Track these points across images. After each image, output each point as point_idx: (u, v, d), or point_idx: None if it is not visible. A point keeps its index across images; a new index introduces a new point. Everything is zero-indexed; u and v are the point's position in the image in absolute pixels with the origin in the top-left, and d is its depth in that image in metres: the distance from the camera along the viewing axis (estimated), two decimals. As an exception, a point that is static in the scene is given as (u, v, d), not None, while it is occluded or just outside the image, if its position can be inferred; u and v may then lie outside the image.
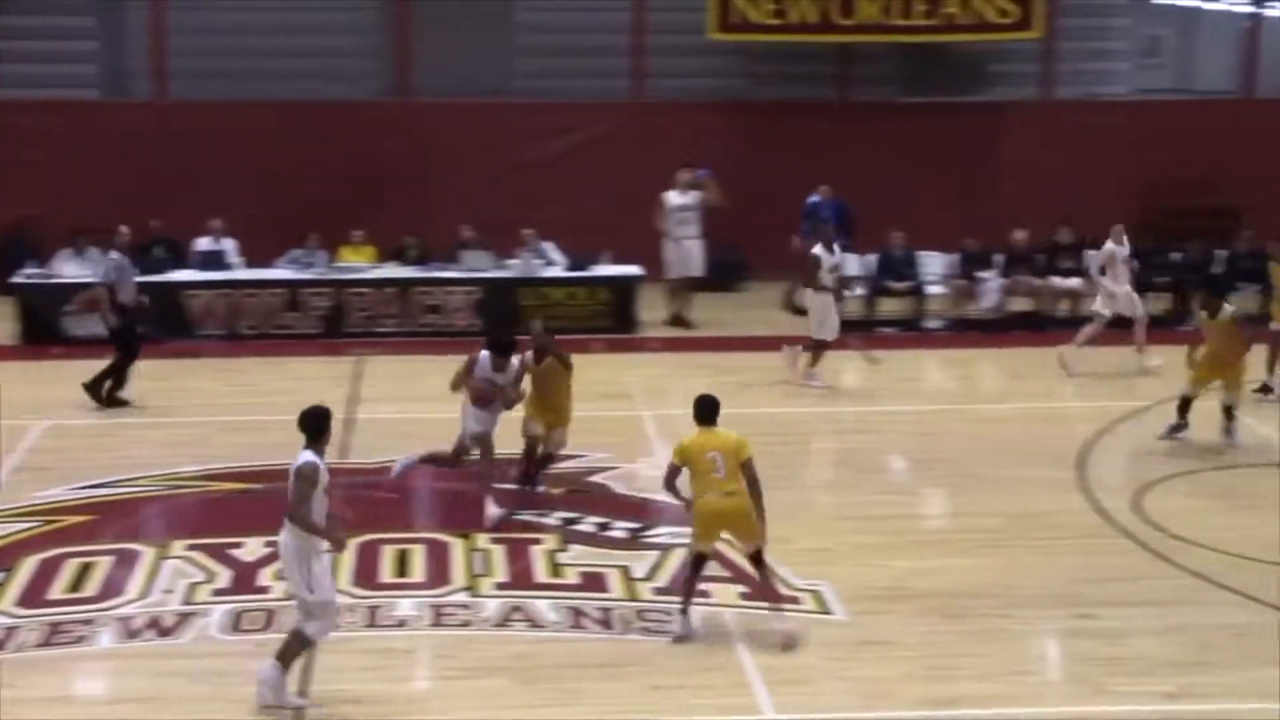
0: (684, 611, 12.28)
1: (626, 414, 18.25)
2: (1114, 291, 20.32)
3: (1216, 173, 24.44)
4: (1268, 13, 28.22)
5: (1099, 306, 20.37)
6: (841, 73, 25.70)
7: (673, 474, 12.37)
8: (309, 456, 10.88)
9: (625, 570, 13.56)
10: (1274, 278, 19.57)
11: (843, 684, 11.58)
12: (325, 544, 11.09)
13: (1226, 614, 12.81)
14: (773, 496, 12.45)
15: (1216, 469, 16.26)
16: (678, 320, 22.56)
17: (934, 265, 23.09)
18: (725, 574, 13.33)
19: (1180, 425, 16.93)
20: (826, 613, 12.78)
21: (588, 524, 14.67)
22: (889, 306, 22.78)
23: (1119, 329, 20.48)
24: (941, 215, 23.43)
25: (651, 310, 22.57)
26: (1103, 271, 20.33)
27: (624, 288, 22.32)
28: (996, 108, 25.82)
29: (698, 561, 12.37)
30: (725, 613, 12.73)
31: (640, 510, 15.05)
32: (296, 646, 11.08)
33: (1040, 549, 14.22)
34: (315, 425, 10.96)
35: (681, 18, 25.28)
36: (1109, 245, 20.58)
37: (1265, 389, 18.73)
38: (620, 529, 14.55)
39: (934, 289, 22.84)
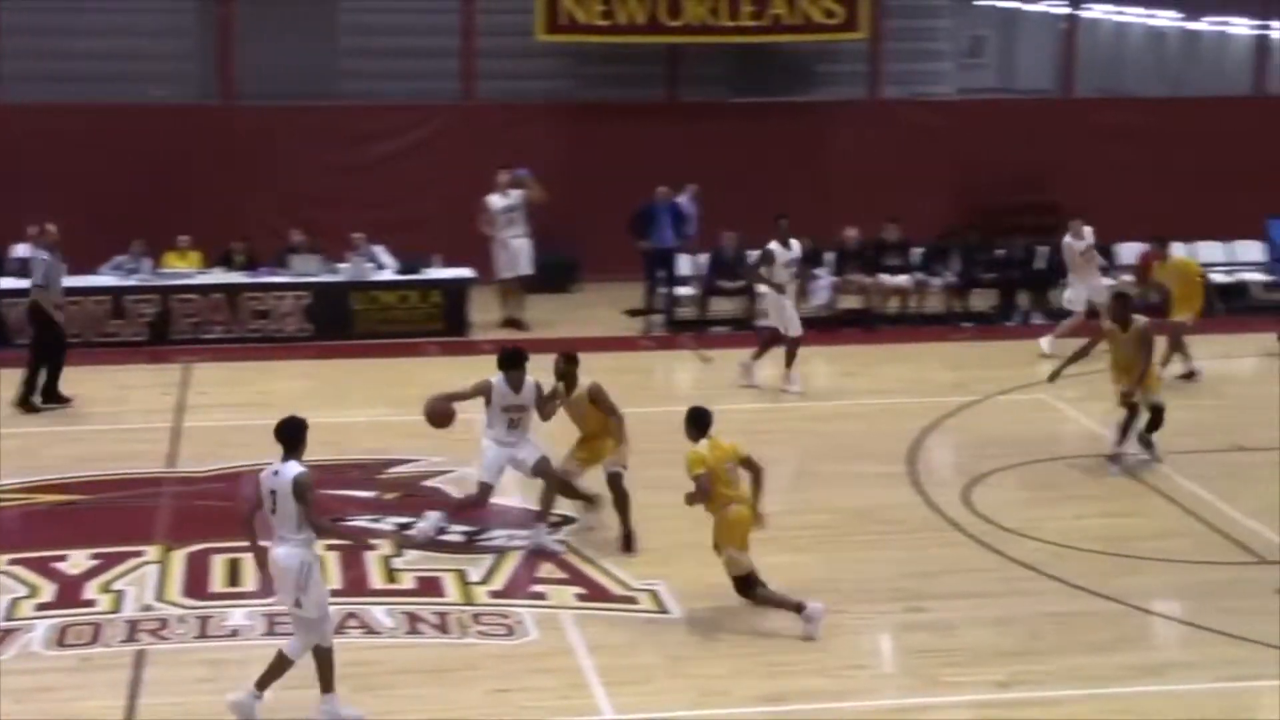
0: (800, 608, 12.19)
1: (461, 417, 18.06)
2: (1074, 284, 20.86)
3: (1038, 170, 24.90)
4: (1084, 14, 28.86)
5: (1069, 301, 21.05)
6: (670, 73, 25.79)
7: (707, 484, 12.17)
8: (300, 467, 10.74)
9: (461, 574, 13.49)
10: (1158, 274, 20.12)
11: (680, 682, 11.61)
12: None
13: (1054, 603, 13.06)
14: (606, 499, 12.46)
15: (1041, 461, 16.55)
16: (511, 323, 22.48)
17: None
18: (561, 575, 13.32)
19: (1147, 440, 16.51)
20: (663, 612, 12.81)
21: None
22: (721, 306, 22.90)
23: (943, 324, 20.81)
24: (773, 214, 23.53)
25: (484, 312, 22.46)
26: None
27: (456, 290, 22.19)
28: (824, 108, 26.08)
29: (752, 579, 12.24)
30: (562, 614, 12.71)
31: (477, 513, 14.95)
32: (281, 672, 10.88)
33: (872, 544, 14.38)
34: (295, 435, 10.82)
35: (510, 19, 25.19)
36: (1066, 239, 21.05)
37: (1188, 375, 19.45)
38: (456, 533, 14.46)
39: (764, 289, 22.95)
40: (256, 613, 12.61)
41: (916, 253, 23.15)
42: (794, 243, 19.37)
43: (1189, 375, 19.42)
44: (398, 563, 13.74)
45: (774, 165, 24.52)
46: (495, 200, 22.47)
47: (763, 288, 19.44)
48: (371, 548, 13.16)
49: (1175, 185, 24.71)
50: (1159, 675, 11.81)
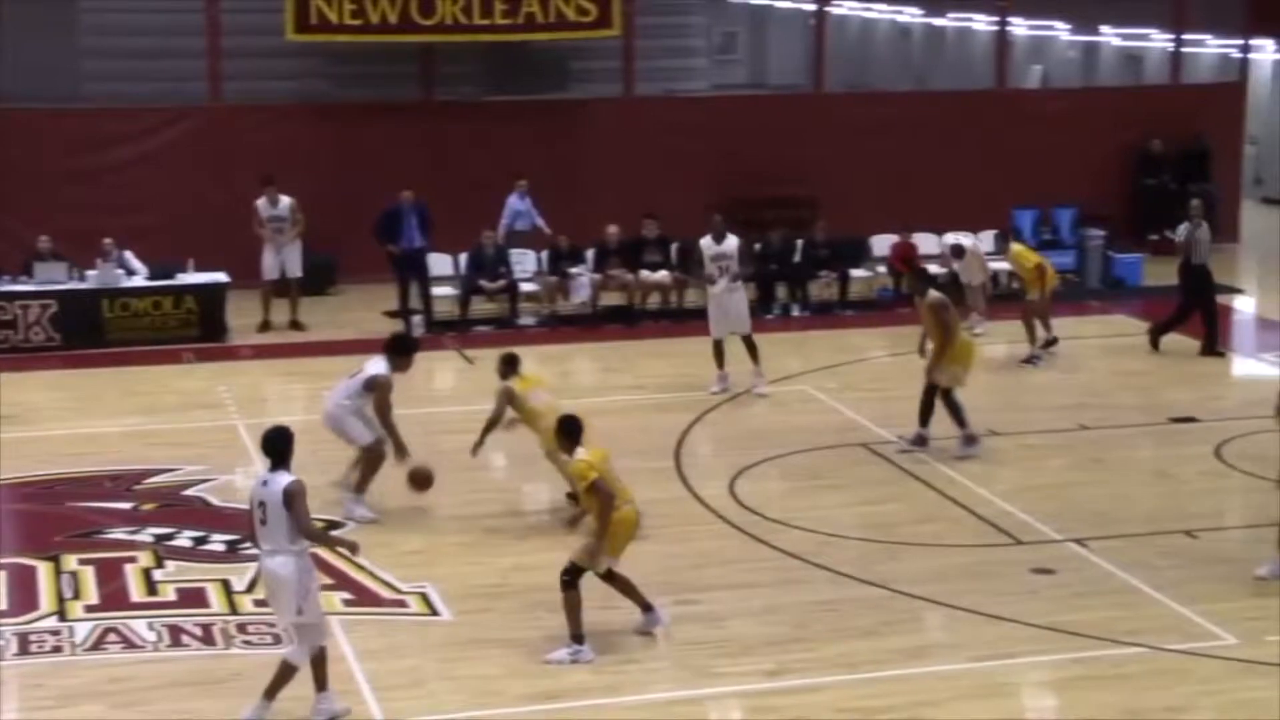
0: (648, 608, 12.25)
1: (220, 424, 17.79)
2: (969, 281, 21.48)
3: (793, 164, 25.27)
4: (832, 10, 29.36)
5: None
6: (425, 73, 25.61)
7: (607, 488, 11.96)
8: (290, 476, 10.67)
9: (225, 584, 13.21)
10: (1013, 257, 20.68)
11: (451, 684, 11.53)
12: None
13: (820, 591, 13.26)
14: (373, 502, 12.31)
15: (804, 451, 16.78)
16: (292, 325, 22.09)
17: (526, 263, 23.22)
18: (328, 581, 13.11)
19: (965, 432, 16.65)
20: (433, 614, 12.71)
21: (184, 538, 14.24)
22: (482, 305, 22.79)
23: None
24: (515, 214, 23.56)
25: (240, 317, 22.03)
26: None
27: (211, 295, 21.72)
28: (580, 105, 26.14)
29: (611, 577, 12.14)
30: (330, 620, 12.51)
31: (239, 522, 14.64)
32: (287, 679, 10.80)
33: (641, 538, 14.36)
34: (282, 446, 10.77)
35: (259, 19, 24.76)
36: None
37: (1048, 343, 20.16)
38: (218, 542, 14.17)
39: (527, 286, 22.97)
40: (10, 632, 12.20)
41: (676, 248, 23.30)
42: (730, 238, 18.97)
43: (1030, 360, 20.05)
44: (158, 575, 13.41)
45: (531, 163, 24.46)
46: (262, 205, 22.05)
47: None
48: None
49: (924, 177, 25.31)
50: (922, 657, 12.07)
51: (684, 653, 12.18)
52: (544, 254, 23.10)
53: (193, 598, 12.96)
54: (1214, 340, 20.37)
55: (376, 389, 14.46)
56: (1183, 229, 20.63)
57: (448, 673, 11.69)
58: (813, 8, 29.38)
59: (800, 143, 25.47)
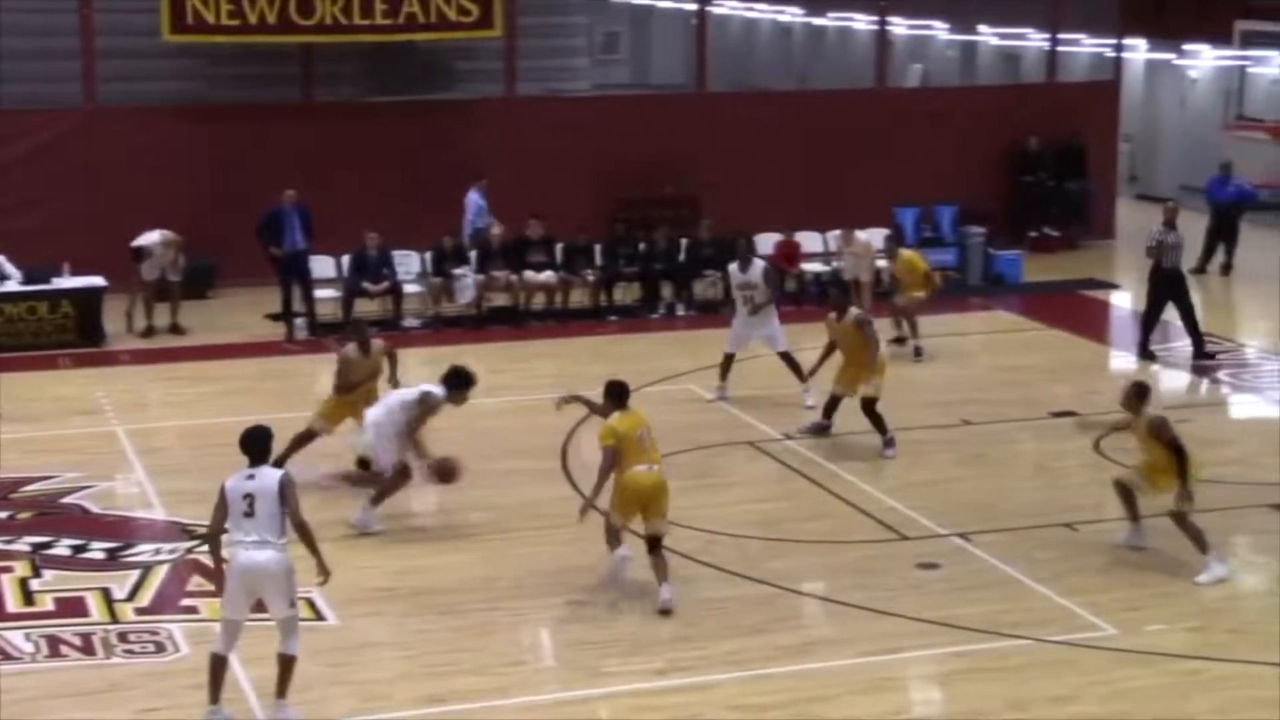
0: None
1: (99, 430, 17.52)
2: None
3: (676, 164, 25.32)
4: (714, 10, 29.46)
5: None
6: (305, 73, 25.37)
7: (611, 459, 12.80)
8: (279, 470, 10.84)
9: (105, 592, 13.01)
10: (903, 260, 20.66)
11: (340, 689, 11.44)
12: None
13: (708, 589, 13.28)
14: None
15: (691, 450, 16.80)
16: (172, 329, 21.78)
17: (410, 264, 23.07)
18: (211, 588, 12.93)
19: (823, 426, 17.01)
20: (320, 619, 12.58)
21: (62, 547, 14.00)
22: (366, 307, 22.59)
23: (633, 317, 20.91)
24: (415, 214, 23.43)
25: (119, 321, 21.71)
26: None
27: (88, 300, 21.37)
28: (463, 105, 26.02)
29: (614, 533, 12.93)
30: (215, 627, 12.35)
31: (119, 529, 14.47)
32: (291, 670, 10.85)
33: (529, 539, 14.40)
34: (262, 444, 10.88)
35: (134, 19, 24.42)
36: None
37: (899, 341, 20.20)
38: (98, 550, 13.95)
39: (411, 288, 22.82)
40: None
41: (561, 248, 23.27)
42: (755, 264, 18.62)
43: (907, 346, 20.29)
44: (35, 584, 13.18)
45: (414, 164, 24.35)
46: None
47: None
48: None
49: (807, 176, 25.46)
50: (809, 654, 12.15)
51: (573, 653, 12.17)
52: (427, 255, 22.95)
53: (72, 607, 12.75)
54: (1200, 343, 20.32)
55: (425, 405, 14.34)
56: (1153, 233, 20.60)
57: (335, 678, 11.58)
58: (694, 8, 29.47)
59: (684, 142, 25.53)
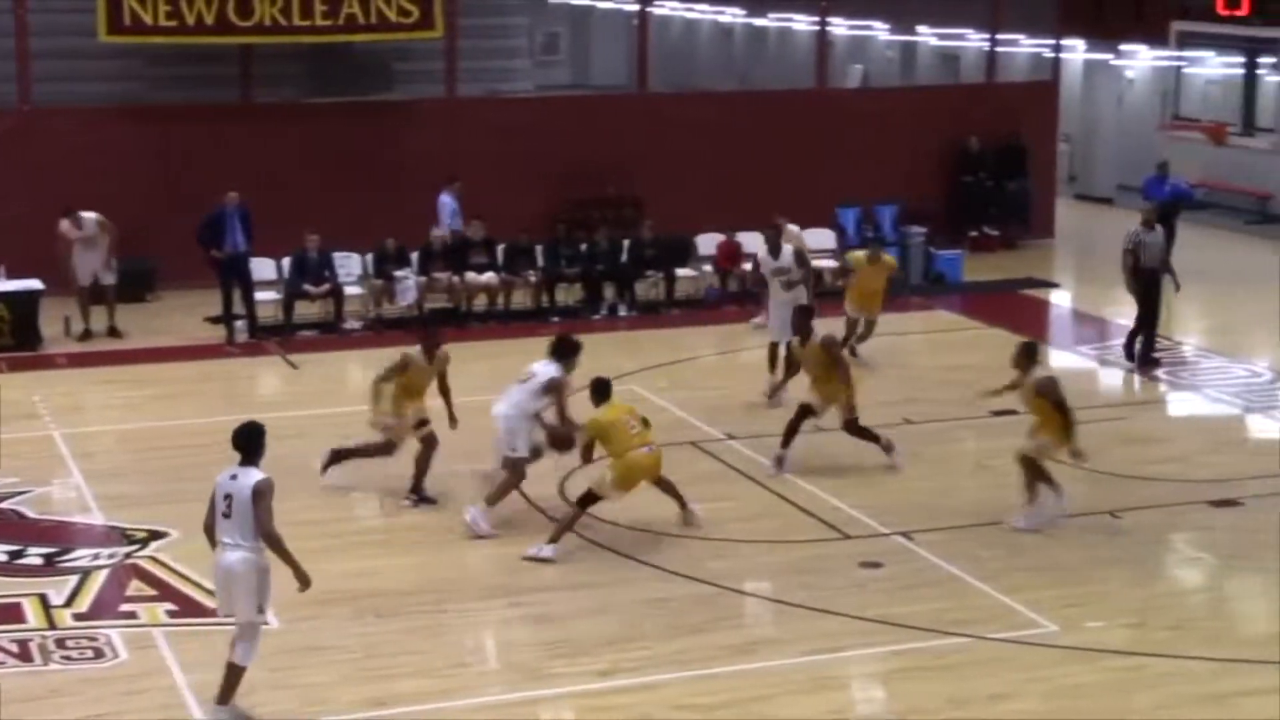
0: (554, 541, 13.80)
1: (37, 434, 17.35)
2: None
3: (618, 165, 25.30)
4: (655, 10, 29.47)
5: None
6: (245, 74, 25.22)
7: (589, 448, 14.12)
8: (259, 473, 10.74)
9: (43, 598, 12.89)
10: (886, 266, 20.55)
11: (282, 694, 11.37)
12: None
13: (651, 589, 13.29)
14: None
15: (633, 450, 16.78)
16: (110, 332, 21.60)
17: (350, 266, 22.97)
18: (152, 593, 12.88)
19: (780, 458, 16.46)
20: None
21: (-2, 553, 13.88)
22: (306, 309, 22.50)
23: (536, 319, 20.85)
24: (356, 215, 23.33)
25: (56, 325, 21.51)
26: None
27: (24, 303, 21.16)
28: (403, 106, 25.94)
29: (588, 500, 13.88)
30: (155, 632, 12.29)
31: (56, 534, 14.34)
32: (236, 679, 10.81)
33: (471, 541, 14.35)
34: (252, 441, 10.89)
35: (70, 19, 24.21)
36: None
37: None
38: (35, 555, 13.82)
39: (351, 290, 22.72)
40: None
41: (502, 249, 23.22)
42: (786, 248, 19.21)
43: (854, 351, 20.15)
44: (-28, 591, 13.05)
45: (355, 165, 24.24)
46: (67, 228, 21.50)
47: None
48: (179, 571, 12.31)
49: (748, 176, 25.48)
50: (752, 653, 12.16)
51: (517, 655, 12.15)
52: (369, 257, 22.87)
53: (8, 613, 12.62)
54: (1148, 347, 20.09)
55: (555, 390, 14.61)
56: (1131, 234, 20.50)
57: (277, 682, 11.51)
58: (635, 8, 29.46)
59: (625, 143, 25.51)
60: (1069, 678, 11.71)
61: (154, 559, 13.73)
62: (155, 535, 14.12)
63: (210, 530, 10.93)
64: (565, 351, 14.80)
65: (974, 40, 32.58)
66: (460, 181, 23.53)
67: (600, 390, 14.19)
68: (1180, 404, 19.39)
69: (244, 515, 10.67)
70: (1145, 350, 20.14)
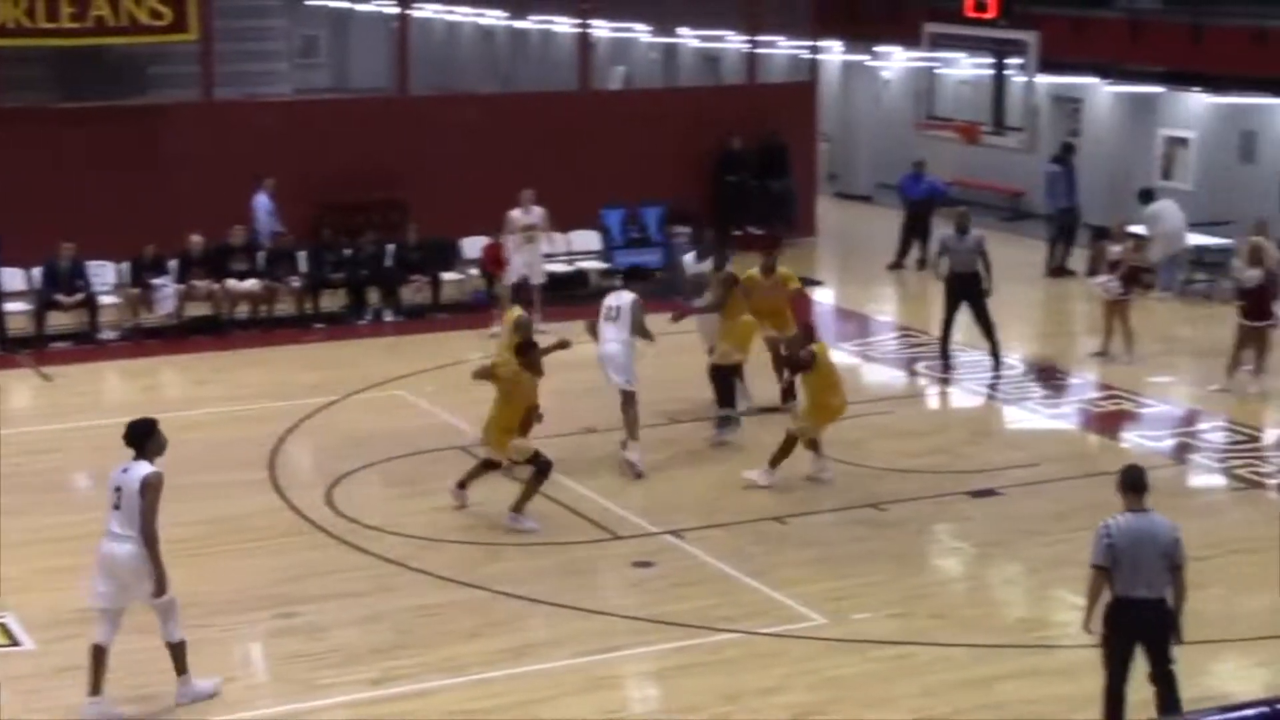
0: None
1: None
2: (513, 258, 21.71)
3: (382, 168, 25.03)
4: (415, 13, 29.24)
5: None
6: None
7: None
8: (150, 467, 10.97)
9: None
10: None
11: (35, 716, 11.04)
12: None
13: (422, 595, 13.19)
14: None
15: (402, 457, 16.66)
16: None
17: (105, 274, 22.38)
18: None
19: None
20: (14, 644, 12.12)
21: None
22: (59, 320, 21.86)
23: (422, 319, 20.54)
24: (112, 223, 22.72)
25: None
26: None
27: None
28: (159, 110, 25.35)
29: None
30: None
31: None
32: (184, 652, 11.13)
33: (240, 553, 14.12)
34: (143, 435, 11.10)
35: None
36: (513, 212, 21.70)
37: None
38: None
39: (107, 299, 22.14)
40: None
41: (264, 255, 22.83)
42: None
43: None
44: None
45: (110, 171, 23.61)
46: None
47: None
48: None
49: (514, 179, 25.33)
50: (525, 656, 12.13)
51: (286, 666, 11.96)
52: (124, 265, 22.29)
53: None
54: (996, 348, 20.09)
55: (637, 309, 16.48)
56: (943, 238, 20.49)
57: (31, 705, 11.19)
58: (395, 11, 29.21)
59: (388, 146, 25.26)
60: (837, 669, 11.90)
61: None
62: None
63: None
64: (635, 276, 17.15)
65: (734, 42, 32.95)
66: (274, 179, 23.14)
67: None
68: (940, 398, 19.82)
69: (132, 507, 10.90)
70: (994, 356, 20.05)
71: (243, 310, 22.65)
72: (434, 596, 13.16)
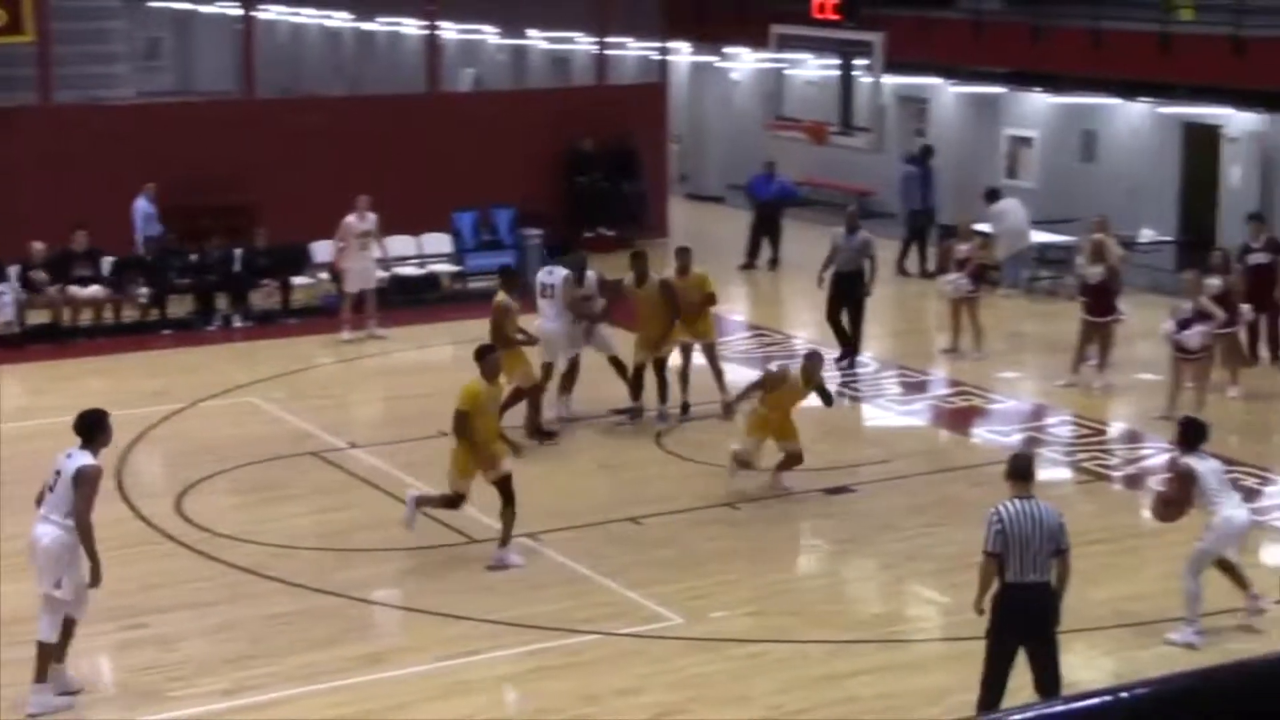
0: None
1: None
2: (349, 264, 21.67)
3: (229, 172, 24.66)
4: (260, 15, 28.88)
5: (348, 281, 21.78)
6: None
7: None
8: (90, 458, 11.05)
9: None
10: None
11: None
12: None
13: (275, 604, 13.02)
14: None
15: (253, 464, 16.44)
16: None
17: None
18: None
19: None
20: None
21: None
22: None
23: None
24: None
25: None
26: None
27: None
28: (-4, 114, 24.80)
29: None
30: None
31: None
32: (45, 656, 11.09)
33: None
34: (90, 426, 11.24)
35: None
36: (349, 218, 21.48)
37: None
38: None
39: (-57, 308, 21.59)
40: None
41: (109, 261, 22.40)
42: (590, 274, 18.54)
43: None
44: None
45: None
46: None
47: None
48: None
49: (364, 182, 25.10)
50: (381, 662, 12.03)
51: (135, 679, 11.75)
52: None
53: None
54: (854, 349, 20.15)
55: (569, 284, 17.45)
56: (833, 236, 20.35)
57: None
58: (239, 12, 28.83)
59: (235, 149, 24.90)
60: (694, 668, 11.93)
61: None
62: None
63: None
64: (566, 250, 18.55)
65: (583, 43, 32.97)
66: (155, 184, 22.77)
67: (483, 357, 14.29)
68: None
69: (64, 494, 11.04)
70: (848, 354, 20.18)
71: (86, 317, 22.21)
72: (288, 604, 13.00)
